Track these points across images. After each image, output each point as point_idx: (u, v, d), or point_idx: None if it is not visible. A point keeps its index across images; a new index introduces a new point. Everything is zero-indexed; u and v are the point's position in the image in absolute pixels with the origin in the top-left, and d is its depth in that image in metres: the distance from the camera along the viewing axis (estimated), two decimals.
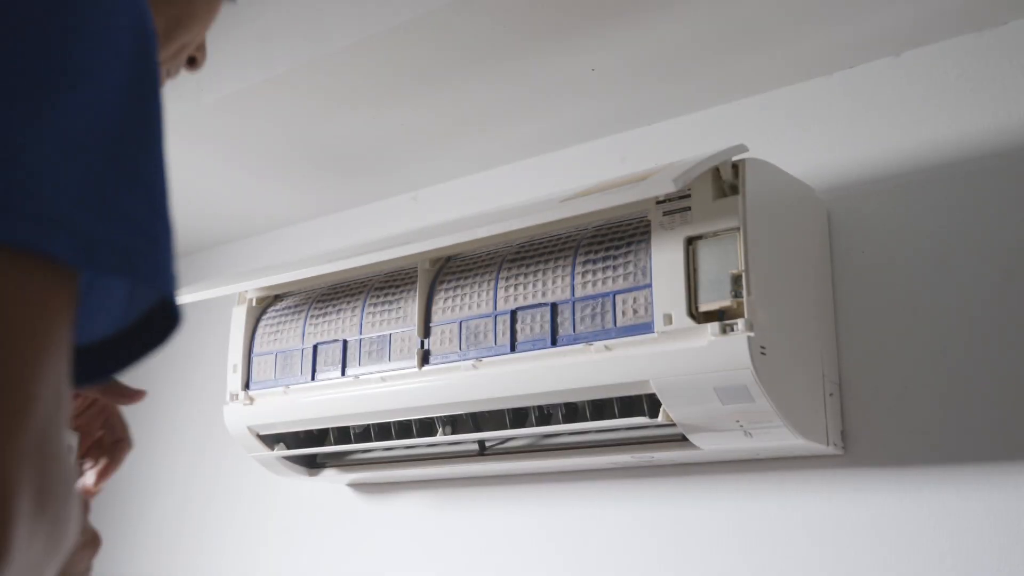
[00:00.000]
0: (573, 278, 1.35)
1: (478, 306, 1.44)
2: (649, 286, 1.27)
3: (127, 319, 0.48)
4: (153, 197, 0.45)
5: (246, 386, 1.69)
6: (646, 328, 1.25)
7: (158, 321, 0.48)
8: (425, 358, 1.48)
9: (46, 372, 0.40)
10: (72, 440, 0.79)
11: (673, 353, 1.22)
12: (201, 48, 0.74)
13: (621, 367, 1.27)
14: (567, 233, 1.42)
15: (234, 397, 1.71)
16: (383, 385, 1.52)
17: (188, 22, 0.68)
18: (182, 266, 2.23)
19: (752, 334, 1.17)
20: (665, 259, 1.25)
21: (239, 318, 1.74)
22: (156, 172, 0.45)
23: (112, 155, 0.42)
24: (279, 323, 1.69)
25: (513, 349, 1.39)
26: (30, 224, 0.38)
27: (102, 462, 0.84)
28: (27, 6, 0.41)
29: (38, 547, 0.40)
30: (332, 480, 1.78)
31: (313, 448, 1.70)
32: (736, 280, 1.20)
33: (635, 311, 1.28)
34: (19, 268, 0.39)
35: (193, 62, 0.74)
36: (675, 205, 1.26)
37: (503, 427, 1.47)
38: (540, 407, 1.43)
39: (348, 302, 1.60)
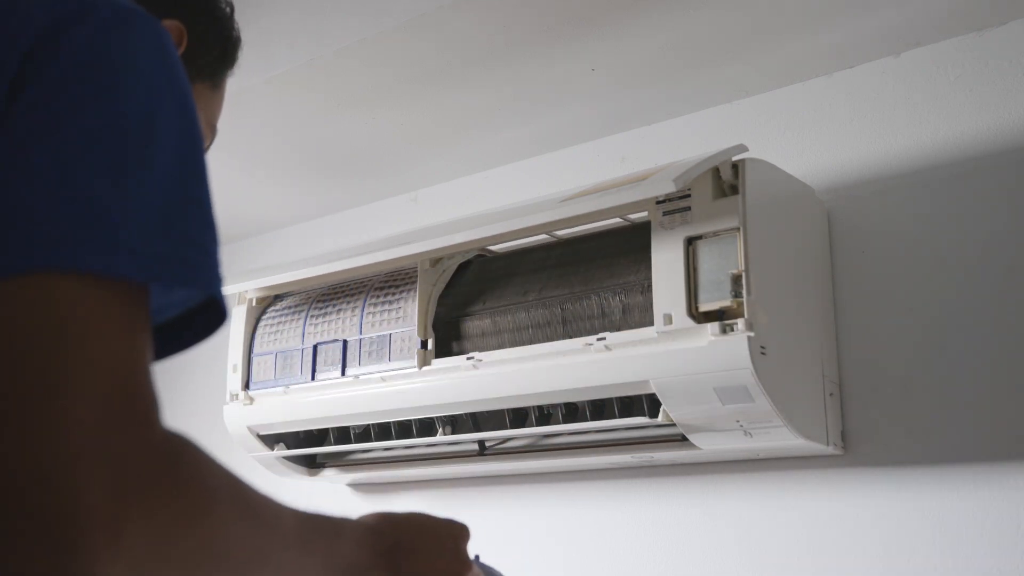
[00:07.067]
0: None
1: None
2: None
3: (184, 309, 0.60)
4: (205, 214, 0.57)
5: (246, 386, 1.69)
6: None
7: (212, 312, 0.60)
8: (426, 358, 1.48)
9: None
10: None
11: (673, 353, 1.22)
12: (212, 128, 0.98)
13: (621, 367, 1.27)
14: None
15: (234, 397, 1.71)
16: (383, 385, 1.51)
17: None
18: None
19: (752, 334, 1.17)
20: (665, 259, 1.25)
21: (239, 318, 1.74)
22: (205, 192, 0.58)
23: (175, 187, 0.55)
24: (279, 323, 1.68)
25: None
26: (105, 254, 0.51)
27: None
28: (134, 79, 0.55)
29: None
30: (332, 480, 1.78)
31: (313, 448, 1.70)
32: (736, 280, 1.20)
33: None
34: (101, 287, 0.51)
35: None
36: (675, 205, 1.26)
37: (503, 427, 1.46)
38: (540, 407, 1.43)
39: (348, 302, 1.60)
